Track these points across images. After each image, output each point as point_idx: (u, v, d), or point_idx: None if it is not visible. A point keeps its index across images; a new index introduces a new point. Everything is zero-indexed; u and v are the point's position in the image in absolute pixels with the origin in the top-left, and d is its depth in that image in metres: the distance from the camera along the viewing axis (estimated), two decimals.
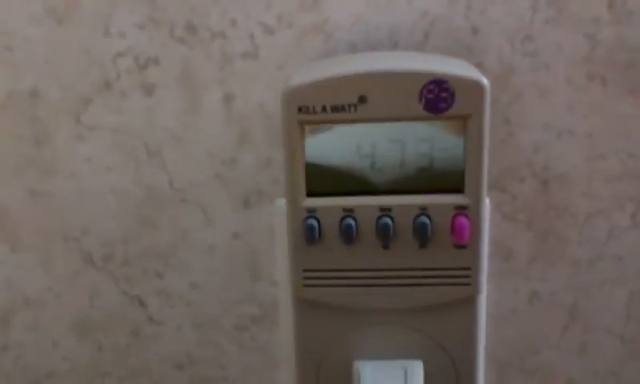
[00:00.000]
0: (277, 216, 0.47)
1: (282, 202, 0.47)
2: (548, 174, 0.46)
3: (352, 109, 0.38)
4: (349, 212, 0.40)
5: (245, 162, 0.47)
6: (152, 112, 0.47)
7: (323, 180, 0.40)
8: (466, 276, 0.41)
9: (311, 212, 0.40)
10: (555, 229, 0.47)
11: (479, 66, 0.44)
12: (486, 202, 0.46)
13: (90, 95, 0.46)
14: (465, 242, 0.40)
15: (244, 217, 0.48)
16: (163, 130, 0.47)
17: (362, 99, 0.38)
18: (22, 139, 0.47)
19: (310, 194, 0.40)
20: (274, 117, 0.46)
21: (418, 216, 0.40)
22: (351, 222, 0.40)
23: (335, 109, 0.38)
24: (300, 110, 0.39)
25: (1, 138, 0.47)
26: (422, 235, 0.40)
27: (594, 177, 0.46)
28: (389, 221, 0.40)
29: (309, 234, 0.40)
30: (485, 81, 0.37)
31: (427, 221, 0.40)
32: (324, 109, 0.38)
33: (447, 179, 0.40)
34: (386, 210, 0.40)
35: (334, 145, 0.40)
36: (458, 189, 0.40)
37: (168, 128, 0.47)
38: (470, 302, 0.42)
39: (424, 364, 0.43)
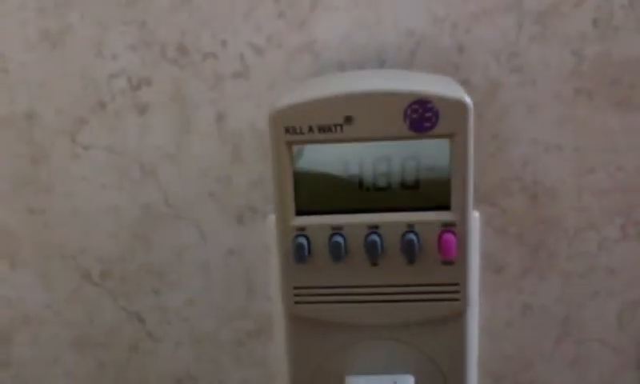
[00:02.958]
0: (270, 232, 0.47)
1: (274, 219, 0.47)
2: (537, 188, 0.46)
3: (338, 129, 0.39)
4: (338, 230, 0.41)
5: (238, 179, 0.48)
6: (145, 131, 0.47)
7: (312, 199, 0.41)
8: (455, 291, 0.41)
9: (300, 230, 0.41)
10: (545, 242, 0.47)
11: (466, 82, 0.45)
12: (475, 216, 0.47)
13: (84, 116, 0.47)
14: (452, 259, 0.40)
15: (238, 233, 0.49)
16: (157, 149, 0.48)
17: (348, 120, 0.39)
18: (19, 159, 0.48)
19: (298, 213, 0.41)
20: (266, 135, 0.47)
21: (405, 233, 0.40)
22: (340, 239, 0.41)
23: (322, 129, 0.39)
24: (287, 130, 0.39)
25: (0, 158, 0.48)
26: (410, 252, 0.40)
27: (583, 190, 0.46)
28: (377, 238, 0.40)
29: (299, 252, 0.41)
30: (468, 100, 0.38)
31: (414, 238, 0.40)
32: (311, 129, 0.39)
33: (434, 196, 0.40)
34: (374, 228, 0.41)
35: (322, 164, 0.40)
36: (444, 206, 0.40)
37: (161, 147, 0.48)
38: (459, 316, 0.42)
39: (415, 379, 0.43)
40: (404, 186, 0.40)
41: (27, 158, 0.48)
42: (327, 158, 0.40)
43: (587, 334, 0.49)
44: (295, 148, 0.40)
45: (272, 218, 0.47)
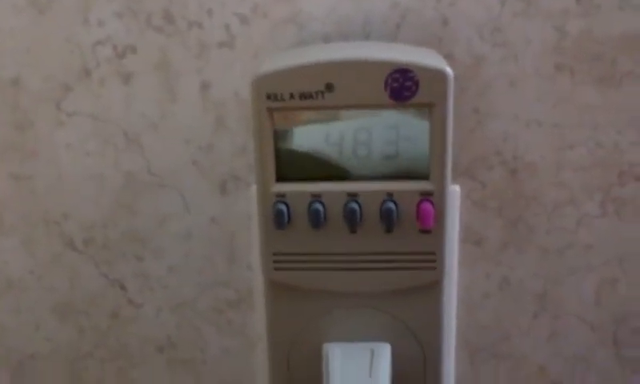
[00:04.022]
0: (252, 201, 0.48)
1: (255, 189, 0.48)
2: (517, 163, 0.47)
3: (319, 96, 0.39)
4: (317, 197, 0.41)
5: (221, 148, 0.48)
6: (130, 99, 0.48)
7: (292, 166, 0.41)
8: (431, 260, 0.42)
9: (280, 197, 0.41)
10: (524, 217, 0.48)
11: (449, 56, 0.45)
12: (455, 189, 0.47)
13: (70, 83, 0.48)
14: (429, 228, 0.41)
15: (221, 202, 0.49)
16: (141, 116, 0.48)
17: (329, 87, 0.39)
18: (3, 125, 0.49)
19: (279, 179, 0.41)
20: (249, 104, 0.47)
21: (384, 202, 0.41)
22: (319, 207, 0.41)
23: (303, 96, 0.39)
24: (269, 97, 0.40)
25: None
26: (388, 220, 0.41)
27: (563, 166, 0.47)
28: (356, 206, 0.41)
29: (278, 218, 0.41)
30: (448, 70, 0.38)
31: (393, 206, 0.41)
32: (292, 96, 0.39)
33: (413, 166, 0.41)
34: (353, 196, 0.41)
35: (303, 132, 0.41)
36: (423, 175, 0.41)
37: (146, 115, 0.48)
38: (436, 285, 0.43)
39: (392, 346, 0.44)
40: (384, 155, 0.41)
41: (12, 124, 0.49)
42: (309, 125, 0.40)
43: (564, 309, 0.50)
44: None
45: (254, 188, 0.48)
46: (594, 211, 0.48)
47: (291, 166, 0.41)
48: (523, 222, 0.48)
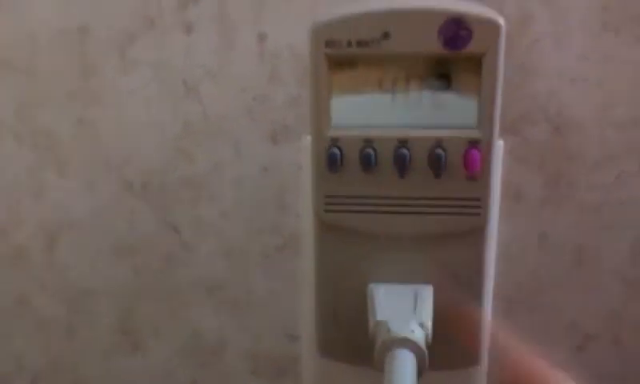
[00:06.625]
0: (303, 151, 0.50)
1: (307, 139, 0.50)
2: (560, 119, 0.49)
3: (376, 44, 0.41)
4: (369, 142, 0.43)
5: (274, 98, 0.51)
6: (190, 49, 0.50)
7: (346, 113, 0.43)
8: (477, 206, 0.44)
9: (334, 141, 0.44)
10: (565, 173, 0.50)
11: (498, 13, 0.47)
12: (500, 143, 0.49)
13: (134, 32, 0.50)
14: (476, 174, 0.43)
15: (272, 152, 0.52)
16: (200, 66, 0.50)
17: (386, 35, 0.41)
18: (71, 71, 0.51)
19: (333, 125, 0.43)
20: (303, 57, 0.49)
21: (433, 148, 0.43)
22: (371, 151, 0.43)
23: (360, 44, 0.41)
24: (327, 44, 0.42)
25: (53, 69, 0.52)
26: (437, 166, 0.43)
27: (605, 123, 0.48)
28: (406, 152, 0.43)
29: (331, 161, 0.44)
30: (501, 20, 0.40)
31: (442, 153, 0.43)
32: (349, 43, 0.42)
33: (462, 115, 0.43)
34: (403, 142, 0.43)
35: (357, 79, 0.43)
36: (471, 125, 0.43)
37: (204, 65, 0.50)
38: (479, 231, 0.44)
39: (434, 289, 0.46)
40: (434, 104, 0.43)
41: (79, 70, 0.51)
42: (363, 73, 0.43)
43: (600, 265, 0.52)
44: None
45: (306, 138, 0.50)
46: (632, 169, 0.49)
47: (345, 112, 0.43)
48: (564, 177, 0.50)
